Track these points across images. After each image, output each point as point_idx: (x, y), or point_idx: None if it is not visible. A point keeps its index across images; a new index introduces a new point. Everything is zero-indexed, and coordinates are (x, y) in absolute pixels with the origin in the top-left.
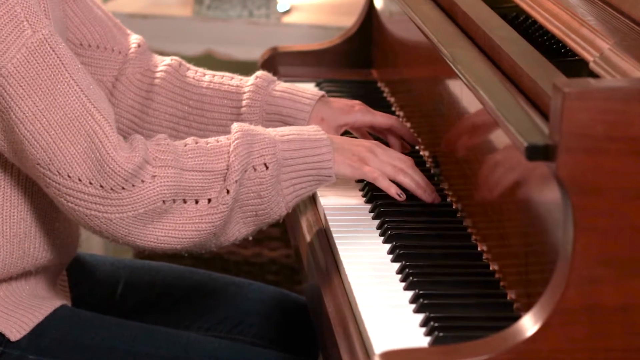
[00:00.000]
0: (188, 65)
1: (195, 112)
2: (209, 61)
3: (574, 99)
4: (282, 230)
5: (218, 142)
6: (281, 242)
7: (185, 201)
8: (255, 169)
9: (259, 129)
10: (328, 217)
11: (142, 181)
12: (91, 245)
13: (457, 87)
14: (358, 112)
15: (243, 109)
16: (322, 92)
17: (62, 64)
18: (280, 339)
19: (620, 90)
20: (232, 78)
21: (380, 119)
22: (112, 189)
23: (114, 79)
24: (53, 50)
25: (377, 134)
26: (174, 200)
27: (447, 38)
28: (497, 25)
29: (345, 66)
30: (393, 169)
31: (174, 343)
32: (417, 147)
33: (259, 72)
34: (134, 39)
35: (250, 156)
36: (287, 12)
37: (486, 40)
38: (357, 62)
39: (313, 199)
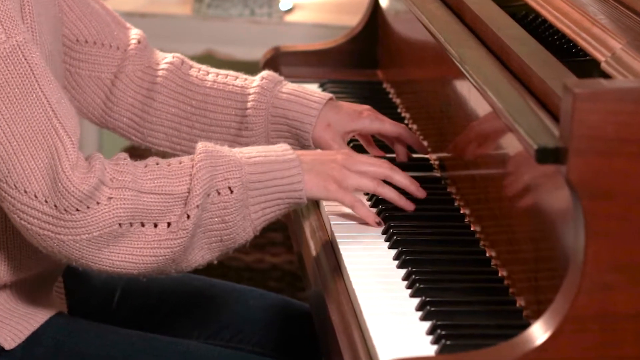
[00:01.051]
0: (191, 62)
1: (199, 113)
2: (210, 61)
3: (585, 100)
4: (285, 235)
5: (180, 163)
6: (284, 248)
7: (143, 224)
8: (219, 193)
9: (225, 149)
10: (332, 222)
11: (97, 203)
12: None
13: (464, 88)
14: (366, 119)
15: (248, 111)
16: (330, 95)
17: (33, 74)
18: (283, 347)
19: (632, 91)
20: (237, 77)
21: (388, 127)
22: (65, 209)
23: (112, 76)
24: (25, 59)
25: (383, 140)
26: (131, 224)
27: (455, 37)
28: (506, 25)
29: (349, 66)
30: (371, 183)
31: (172, 352)
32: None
33: (265, 72)
34: (134, 34)
35: (213, 179)
36: (289, 10)
37: (495, 39)
38: (362, 63)
39: (316, 203)
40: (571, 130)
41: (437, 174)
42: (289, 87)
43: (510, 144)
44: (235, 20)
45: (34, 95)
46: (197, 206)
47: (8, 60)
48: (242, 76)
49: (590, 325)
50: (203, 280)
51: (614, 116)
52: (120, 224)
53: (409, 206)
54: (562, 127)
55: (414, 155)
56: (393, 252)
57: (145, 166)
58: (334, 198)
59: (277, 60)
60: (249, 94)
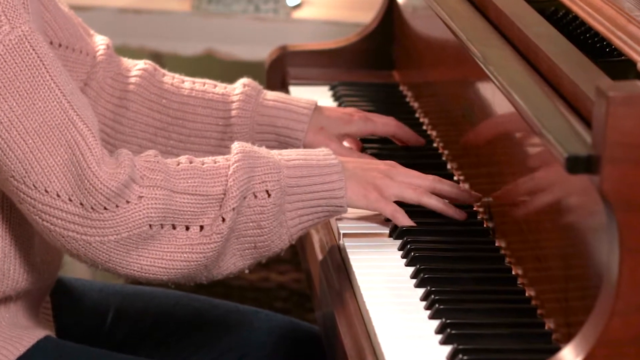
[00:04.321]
0: (163, 70)
1: (176, 123)
2: (210, 62)
3: (620, 104)
4: (292, 251)
5: (215, 162)
6: (291, 265)
7: (174, 227)
8: (256, 196)
9: (263, 150)
10: (344, 238)
11: (127, 202)
12: (77, 269)
13: (488, 91)
14: (359, 121)
15: (233, 120)
16: (315, 100)
17: (43, 64)
18: None
19: None
20: (216, 85)
21: (380, 127)
22: (92, 208)
23: (82, 83)
24: (33, 49)
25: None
26: (162, 225)
27: (478, 35)
28: (534, 22)
29: (363, 67)
30: (414, 192)
31: None
32: (443, 159)
33: (245, 80)
34: (100, 39)
35: (251, 181)
36: (297, 6)
37: (522, 38)
38: (377, 63)
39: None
40: (605, 136)
41: (459, 184)
42: (272, 94)
43: (539, 152)
44: (238, 17)
45: (46, 87)
46: (233, 209)
47: (15, 52)
48: (220, 84)
49: (625, 350)
50: (204, 300)
51: None
52: (150, 225)
53: (459, 215)
54: (595, 133)
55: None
56: (410, 269)
57: (178, 164)
58: (374, 208)
59: (284, 61)
60: (232, 102)
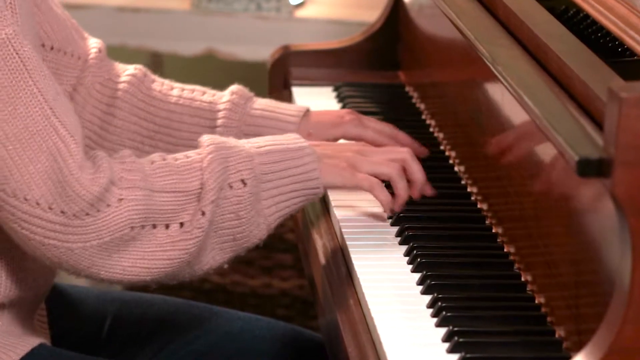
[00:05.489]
0: (154, 76)
1: (163, 131)
2: (211, 62)
3: (633, 106)
4: (295, 257)
5: (188, 157)
6: (294, 271)
7: (154, 226)
8: (231, 187)
9: (232, 141)
10: (348, 243)
11: (108, 205)
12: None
13: (497, 92)
14: (348, 124)
15: (218, 129)
16: (306, 107)
17: (26, 69)
18: None
19: None
20: (204, 93)
21: (371, 134)
22: (74, 215)
23: (71, 88)
24: (16, 53)
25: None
26: (143, 226)
27: (486, 35)
28: (544, 20)
29: (367, 68)
30: (388, 167)
31: None
32: (451, 162)
33: (235, 87)
34: (94, 42)
35: (226, 172)
36: (300, 5)
37: (531, 37)
38: (382, 63)
39: (329, 219)
40: (617, 139)
41: (467, 188)
42: (261, 102)
43: (549, 155)
44: (239, 16)
45: (28, 93)
46: (212, 201)
47: None
48: (209, 91)
49: (638, 359)
50: (203, 307)
51: None
52: (132, 227)
53: (395, 209)
54: (607, 135)
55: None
56: (416, 276)
57: (152, 162)
58: (351, 183)
59: (286, 61)
60: (219, 111)
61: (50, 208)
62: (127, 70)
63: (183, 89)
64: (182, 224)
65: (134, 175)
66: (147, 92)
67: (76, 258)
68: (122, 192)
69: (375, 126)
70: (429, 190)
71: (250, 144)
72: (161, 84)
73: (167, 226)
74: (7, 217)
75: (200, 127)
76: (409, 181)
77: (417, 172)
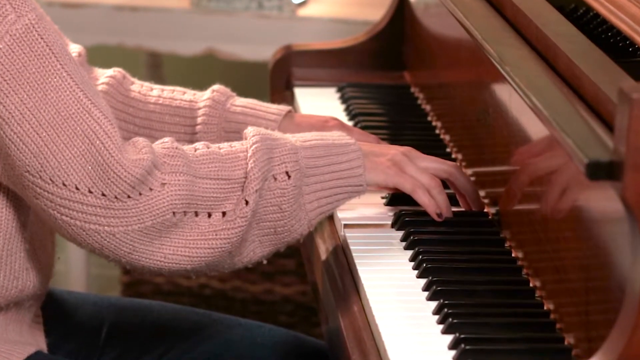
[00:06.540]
0: (133, 79)
1: (142, 132)
2: (211, 62)
3: None
4: (298, 262)
5: (232, 147)
6: (296, 277)
7: (197, 214)
8: (275, 178)
9: (278, 133)
10: (352, 248)
11: (150, 189)
12: (70, 281)
13: (504, 93)
14: (333, 129)
15: (198, 127)
16: (288, 107)
17: (53, 53)
18: None
19: None
20: (185, 93)
21: (357, 136)
22: (116, 197)
23: None
24: (41, 38)
25: None
26: (185, 213)
27: (494, 34)
28: (553, 20)
29: (372, 68)
30: (430, 180)
31: None
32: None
33: (216, 86)
34: (74, 47)
35: (270, 163)
36: (302, 3)
37: (540, 37)
38: (387, 63)
39: (334, 225)
40: (627, 141)
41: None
42: (242, 100)
43: (558, 157)
44: (240, 15)
45: (57, 77)
46: (256, 191)
47: (22, 41)
48: (190, 91)
49: None
50: (203, 314)
51: None
52: (174, 213)
53: (440, 217)
54: (617, 138)
55: None
56: (422, 281)
57: (195, 150)
58: (393, 182)
59: (289, 61)
60: (198, 109)
61: (90, 191)
62: (105, 73)
63: (163, 90)
64: (224, 213)
65: (176, 161)
66: (125, 93)
67: (117, 243)
68: (165, 176)
69: (359, 137)
70: (477, 206)
71: (295, 138)
72: (140, 85)
73: (209, 214)
74: (46, 204)
75: (181, 127)
76: (458, 194)
77: (466, 185)
